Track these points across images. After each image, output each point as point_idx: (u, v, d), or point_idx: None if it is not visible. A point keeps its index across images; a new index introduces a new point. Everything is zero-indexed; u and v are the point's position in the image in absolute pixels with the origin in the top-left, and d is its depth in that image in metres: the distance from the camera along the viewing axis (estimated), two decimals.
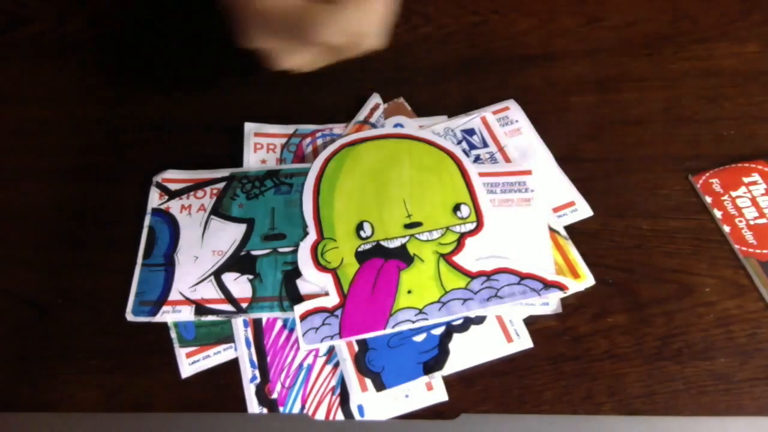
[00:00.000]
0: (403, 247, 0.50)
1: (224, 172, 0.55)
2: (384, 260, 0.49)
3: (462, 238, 0.50)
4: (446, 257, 0.50)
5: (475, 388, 0.46)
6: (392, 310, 0.47)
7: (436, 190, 0.52)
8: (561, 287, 0.48)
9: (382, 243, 0.50)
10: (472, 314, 0.48)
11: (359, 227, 0.51)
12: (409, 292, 0.48)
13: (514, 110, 0.59)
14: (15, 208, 0.55)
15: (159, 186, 0.55)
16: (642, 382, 0.46)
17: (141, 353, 0.48)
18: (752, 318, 0.48)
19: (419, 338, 0.48)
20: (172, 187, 0.55)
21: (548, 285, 0.48)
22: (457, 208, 0.51)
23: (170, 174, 0.56)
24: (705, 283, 0.50)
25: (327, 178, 0.53)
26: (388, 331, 0.47)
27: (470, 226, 0.51)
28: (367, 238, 0.50)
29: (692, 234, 0.52)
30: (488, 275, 0.49)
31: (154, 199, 0.54)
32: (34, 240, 0.53)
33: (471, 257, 0.49)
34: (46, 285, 0.50)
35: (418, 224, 0.50)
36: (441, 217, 0.51)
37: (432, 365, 0.47)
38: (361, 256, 0.49)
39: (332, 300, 0.48)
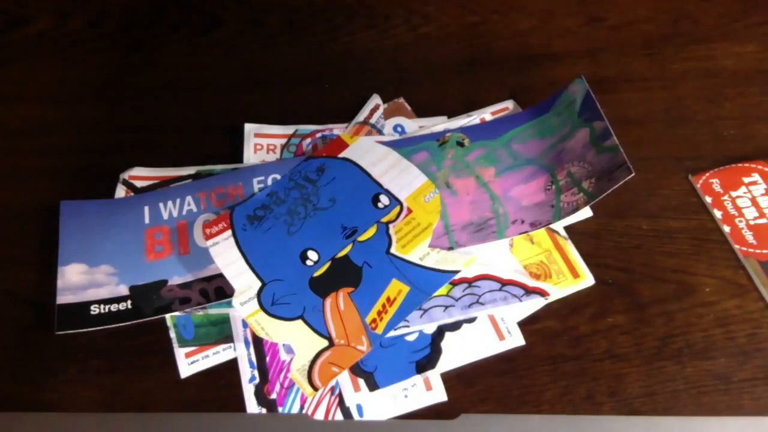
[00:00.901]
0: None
1: (190, 170, 0.56)
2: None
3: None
4: None
5: (475, 388, 0.46)
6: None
7: None
8: (542, 293, 0.49)
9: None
10: (453, 321, 0.48)
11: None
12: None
13: (514, 111, 0.59)
14: (15, 208, 0.55)
15: (125, 183, 0.55)
16: (642, 382, 0.46)
17: (141, 353, 0.48)
18: (752, 318, 0.48)
19: (411, 338, 0.48)
20: (139, 184, 0.55)
21: (529, 291, 0.49)
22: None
23: (137, 171, 0.56)
24: (705, 283, 0.50)
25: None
26: (376, 346, 0.47)
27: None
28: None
29: (692, 234, 0.52)
30: (470, 282, 0.49)
31: (120, 196, 0.55)
32: (34, 240, 0.53)
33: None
34: (46, 285, 0.50)
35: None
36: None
37: (425, 364, 0.47)
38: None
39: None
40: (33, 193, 0.56)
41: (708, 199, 0.53)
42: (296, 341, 0.47)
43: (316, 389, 0.45)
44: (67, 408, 0.47)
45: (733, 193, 0.53)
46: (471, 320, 0.48)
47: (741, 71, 0.60)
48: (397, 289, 0.48)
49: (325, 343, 0.47)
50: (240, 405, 0.46)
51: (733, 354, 0.47)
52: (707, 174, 0.54)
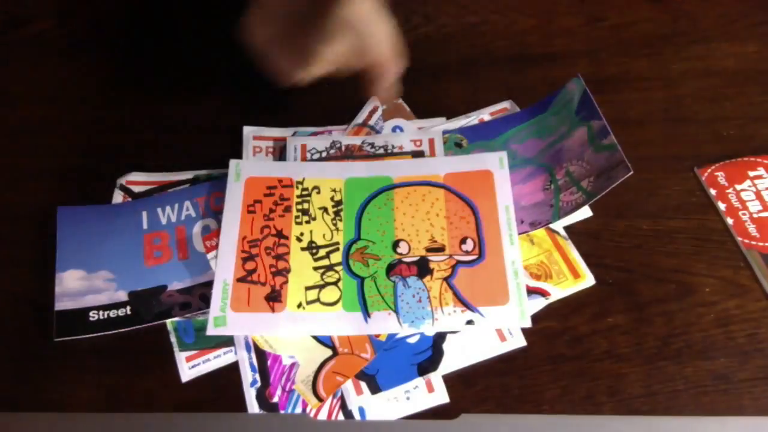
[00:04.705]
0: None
1: (188, 174, 0.56)
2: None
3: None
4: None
5: (475, 388, 0.46)
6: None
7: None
8: (543, 293, 0.49)
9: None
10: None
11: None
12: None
13: (512, 111, 0.59)
14: (15, 208, 0.55)
15: (123, 188, 0.55)
16: (642, 382, 0.46)
17: (141, 353, 0.48)
18: (752, 318, 0.48)
19: (413, 340, 0.48)
20: (136, 189, 0.55)
21: (530, 291, 0.49)
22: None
23: (135, 176, 0.56)
24: (705, 283, 0.50)
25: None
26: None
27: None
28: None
29: (692, 234, 0.52)
30: None
31: (117, 201, 0.55)
32: (34, 240, 0.53)
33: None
34: (46, 285, 0.50)
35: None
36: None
37: (426, 366, 0.47)
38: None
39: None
40: (32, 193, 0.56)
41: (712, 192, 0.53)
42: (300, 352, 0.47)
43: (321, 400, 0.45)
44: (67, 408, 0.47)
45: (738, 187, 0.53)
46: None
47: (741, 71, 0.60)
48: None
49: (329, 352, 0.47)
50: (241, 408, 0.46)
51: (733, 354, 0.47)
52: (712, 167, 0.54)
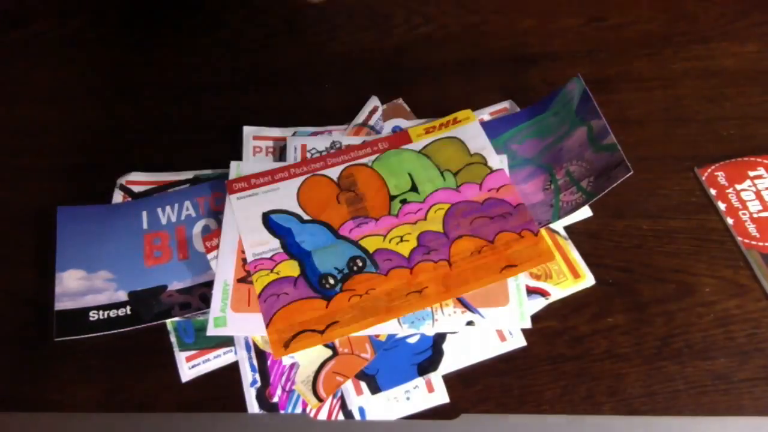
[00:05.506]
0: None
1: (188, 174, 0.56)
2: None
3: None
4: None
5: (475, 388, 0.46)
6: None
7: None
8: (543, 293, 0.49)
9: None
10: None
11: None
12: None
13: (512, 111, 0.59)
14: (15, 208, 0.55)
15: (123, 188, 0.55)
16: (642, 382, 0.46)
17: (141, 353, 0.48)
18: (752, 318, 0.48)
19: (413, 340, 0.48)
20: (136, 189, 0.55)
21: (530, 291, 0.49)
22: None
23: (135, 176, 0.56)
24: (705, 283, 0.50)
25: None
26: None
27: None
28: None
29: (692, 234, 0.52)
30: None
31: (117, 201, 0.55)
32: (33, 240, 0.53)
33: None
34: (46, 285, 0.50)
35: None
36: None
37: (426, 366, 0.47)
38: None
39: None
40: (32, 193, 0.56)
41: (712, 192, 0.53)
42: (300, 353, 0.47)
43: (321, 400, 0.45)
44: (67, 408, 0.47)
45: (738, 186, 0.53)
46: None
47: (741, 71, 0.60)
48: None
49: (329, 352, 0.47)
50: (241, 408, 0.46)
51: (733, 354, 0.47)
52: (713, 167, 0.54)
